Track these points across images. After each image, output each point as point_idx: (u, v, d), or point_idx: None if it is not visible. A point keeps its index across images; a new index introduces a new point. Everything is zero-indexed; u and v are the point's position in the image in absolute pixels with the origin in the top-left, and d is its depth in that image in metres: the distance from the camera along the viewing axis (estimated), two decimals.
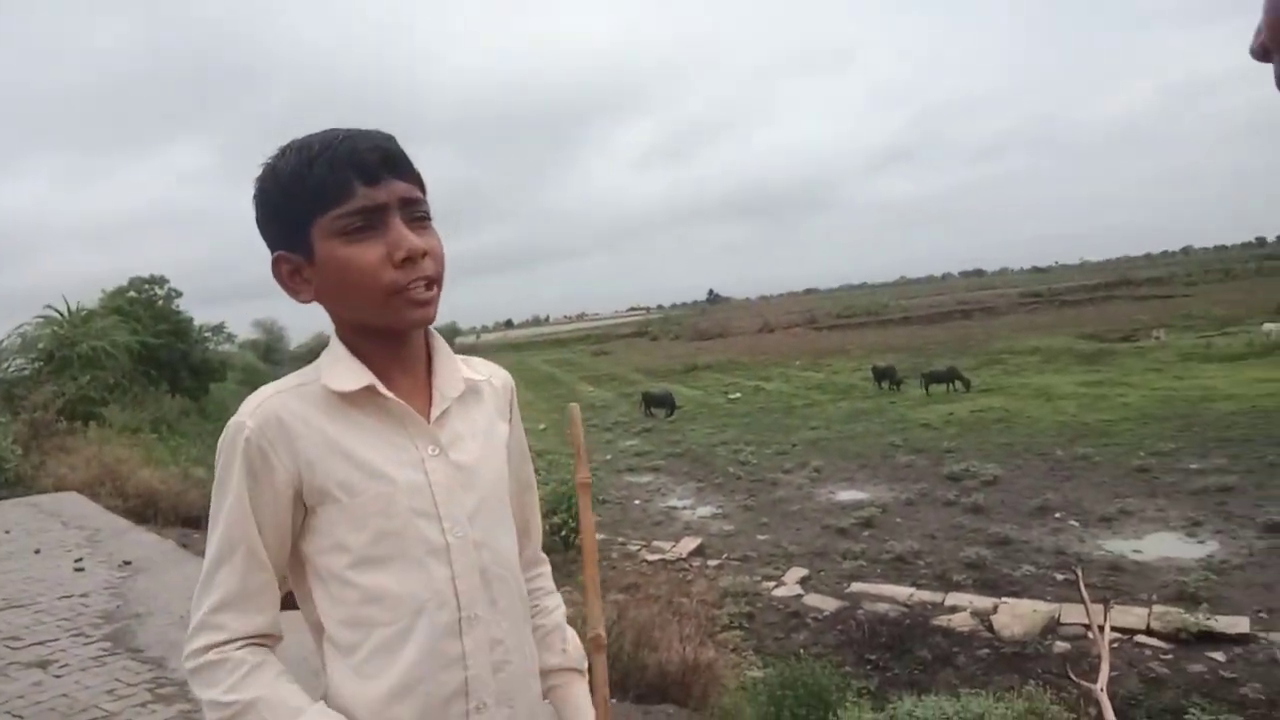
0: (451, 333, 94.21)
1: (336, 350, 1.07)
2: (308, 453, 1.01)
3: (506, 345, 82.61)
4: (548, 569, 1.33)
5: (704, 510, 12.40)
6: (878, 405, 20.36)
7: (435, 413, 1.09)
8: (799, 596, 8.26)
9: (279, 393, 1.05)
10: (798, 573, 8.95)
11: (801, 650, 6.77)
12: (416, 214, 1.03)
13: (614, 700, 4.09)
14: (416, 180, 1.04)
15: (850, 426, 17.83)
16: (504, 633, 1.09)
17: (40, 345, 18.11)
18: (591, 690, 1.29)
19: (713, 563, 9.71)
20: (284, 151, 1.01)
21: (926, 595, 7.85)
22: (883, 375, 22.90)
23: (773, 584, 8.70)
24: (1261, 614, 6.45)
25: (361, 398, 1.04)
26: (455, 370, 1.13)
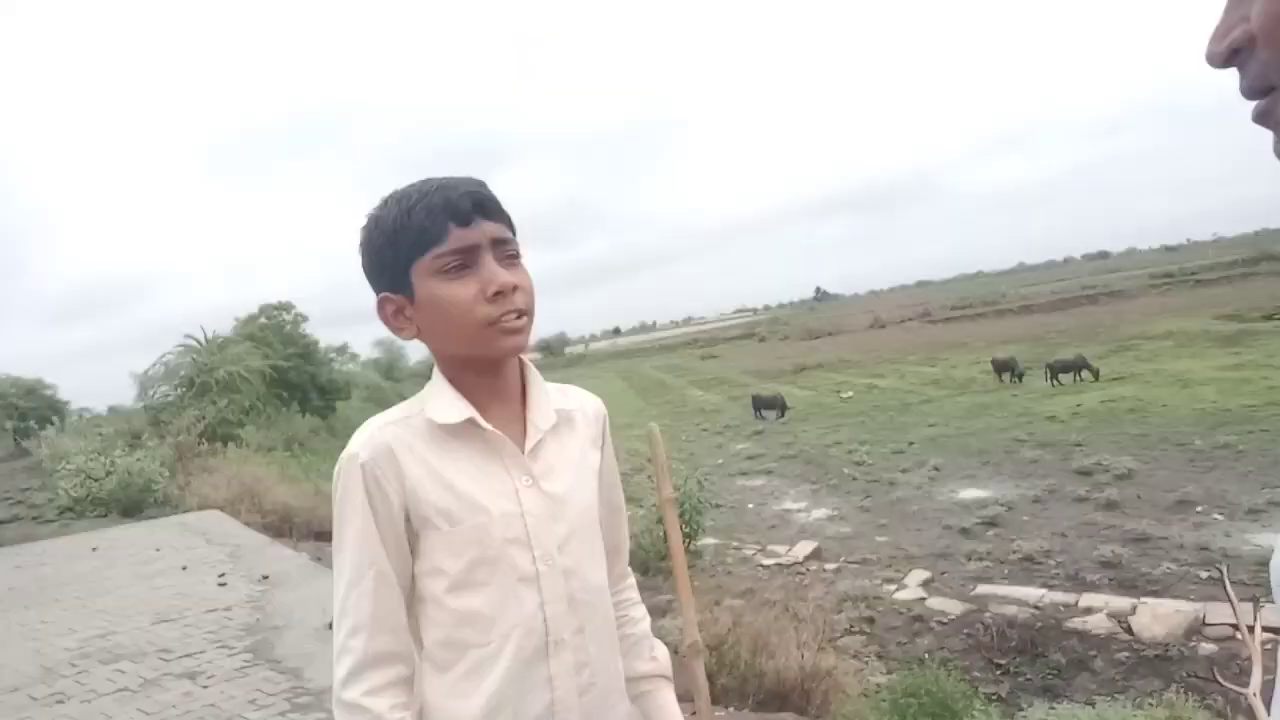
0: (561, 343, 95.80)
1: (438, 383, 1.16)
2: (413, 482, 1.09)
3: (615, 353, 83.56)
4: (634, 581, 1.41)
5: (819, 513, 12.22)
6: (999, 399, 19.64)
7: (529, 444, 1.15)
8: (922, 599, 8.03)
9: (388, 424, 1.13)
10: (919, 575, 8.71)
11: (926, 655, 6.59)
12: (507, 253, 1.12)
13: (732, 709, 4.07)
14: (506, 221, 1.13)
15: (970, 422, 17.25)
16: (590, 656, 1.15)
17: (181, 373, 19.42)
18: (694, 694, 1.32)
19: (830, 566, 9.55)
20: (385, 202, 1.12)
21: (1059, 596, 7.51)
22: (1003, 367, 22.07)
23: (894, 587, 8.49)
24: None
25: (462, 429, 1.12)
26: (548, 401, 1.20)
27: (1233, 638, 5.92)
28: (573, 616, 1.14)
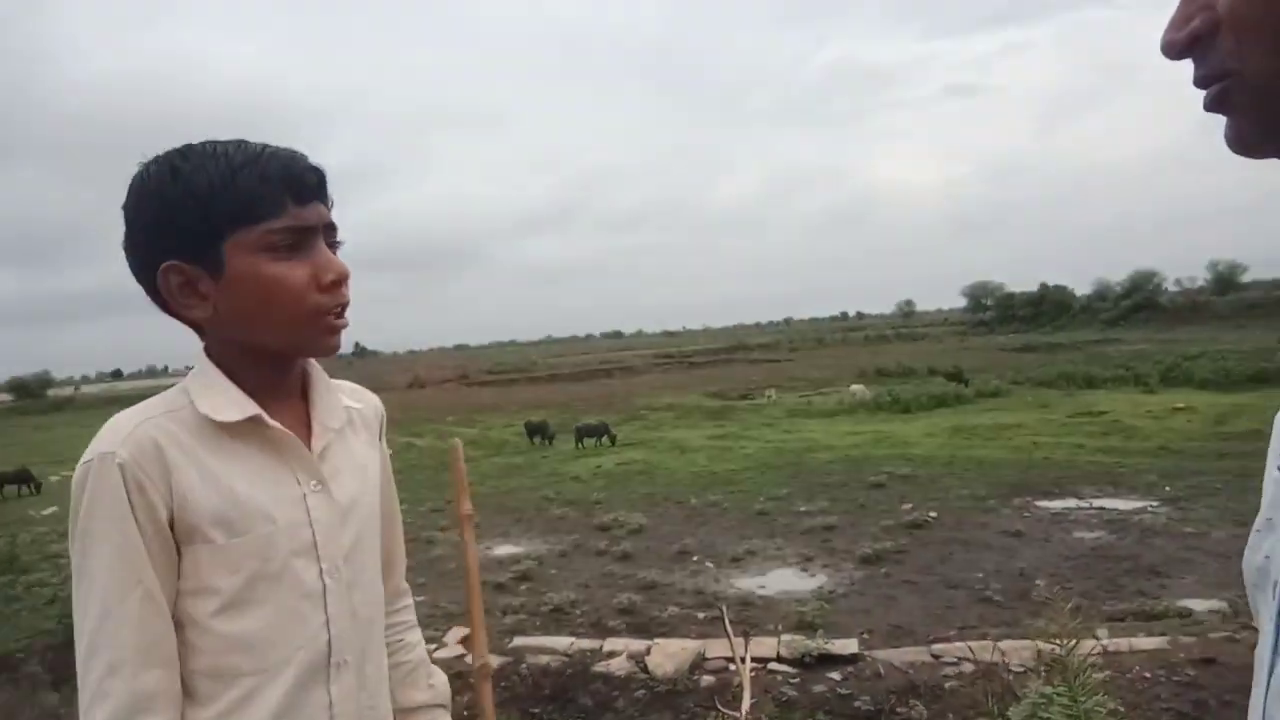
0: (42, 384, 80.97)
1: (209, 375, 0.99)
2: (182, 487, 0.92)
3: (114, 397, 72.69)
4: (411, 602, 1.32)
5: None
6: (531, 460, 20.80)
7: (318, 445, 1.05)
8: (461, 656, 8.08)
9: (149, 419, 0.94)
10: (459, 632, 8.75)
11: (466, 712, 6.64)
12: (333, 240, 1.00)
13: None
14: (331, 207, 1.01)
15: (505, 481, 18.01)
16: (367, 678, 1.07)
17: None
18: (480, 714, 1.28)
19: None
20: (186, 156, 0.93)
21: (585, 643, 8.06)
22: (535, 431, 23.46)
23: (434, 646, 8.42)
24: (864, 635, 7.47)
25: (243, 428, 0.98)
26: (336, 399, 1.12)
27: (727, 669, 6.87)
28: (355, 635, 1.04)
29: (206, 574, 0.94)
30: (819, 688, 6.56)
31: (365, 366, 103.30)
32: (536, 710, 6.76)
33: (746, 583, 9.82)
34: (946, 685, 5.81)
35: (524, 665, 7.61)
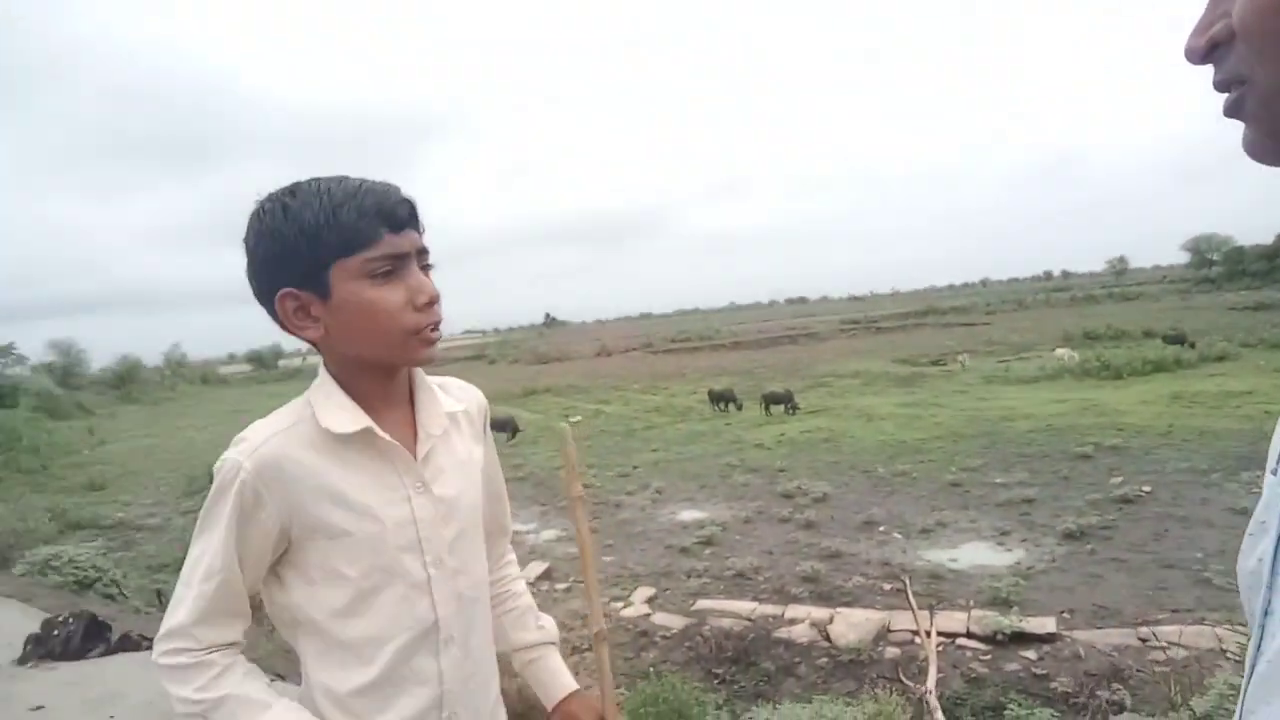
0: (275, 355, 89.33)
1: (328, 388, 1.16)
2: (301, 496, 1.10)
3: None
4: (514, 556, 1.53)
5: (548, 534, 12.36)
6: (714, 427, 20.95)
7: (421, 450, 1.19)
8: (647, 615, 8.38)
9: (276, 434, 1.11)
10: (645, 592, 9.07)
11: (652, 668, 6.87)
12: (426, 263, 1.15)
13: None
14: (422, 232, 1.15)
15: (689, 448, 18.25)
16: (472, 648, 1.24)
17: None
18: (600, 678, 1.43)
19: (561, 586, 9.70)
20: (294, 193, 1.08)
21: (768, 609, 8.14)
22: (718, 398, 23.60)
23: (621, 604, 8.77)
24: (1064, 614, 7.10)
25: (355, 438, 1.13)
26: (437, 406, 1.24)
27: (913, 642, 6.74)
28: (460, 615, 1.20)
29: (331, 560, 1.11)
30: (1012, 666, 6.32)
31: (554, 336, 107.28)
32: (719, 671, 6.91)
33: (936, 555, 9.52)
34: (1156, 670, 5.43)
35: (707, 627, 7.78)
